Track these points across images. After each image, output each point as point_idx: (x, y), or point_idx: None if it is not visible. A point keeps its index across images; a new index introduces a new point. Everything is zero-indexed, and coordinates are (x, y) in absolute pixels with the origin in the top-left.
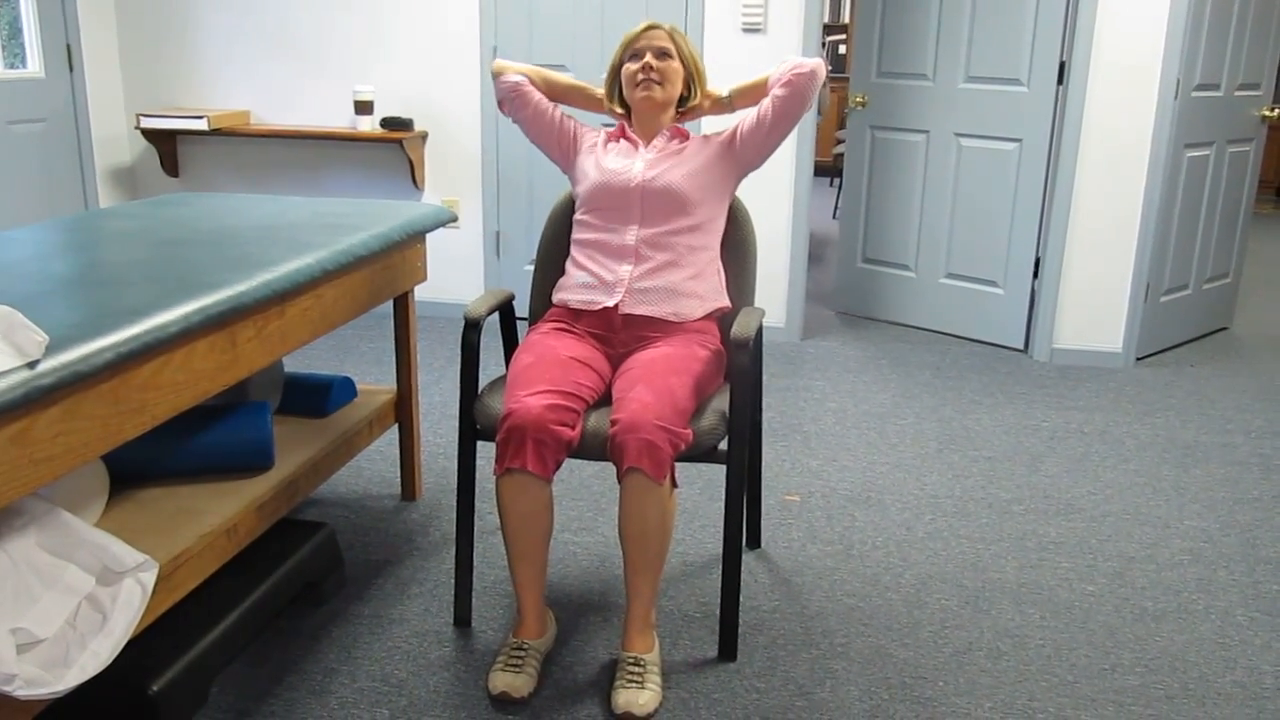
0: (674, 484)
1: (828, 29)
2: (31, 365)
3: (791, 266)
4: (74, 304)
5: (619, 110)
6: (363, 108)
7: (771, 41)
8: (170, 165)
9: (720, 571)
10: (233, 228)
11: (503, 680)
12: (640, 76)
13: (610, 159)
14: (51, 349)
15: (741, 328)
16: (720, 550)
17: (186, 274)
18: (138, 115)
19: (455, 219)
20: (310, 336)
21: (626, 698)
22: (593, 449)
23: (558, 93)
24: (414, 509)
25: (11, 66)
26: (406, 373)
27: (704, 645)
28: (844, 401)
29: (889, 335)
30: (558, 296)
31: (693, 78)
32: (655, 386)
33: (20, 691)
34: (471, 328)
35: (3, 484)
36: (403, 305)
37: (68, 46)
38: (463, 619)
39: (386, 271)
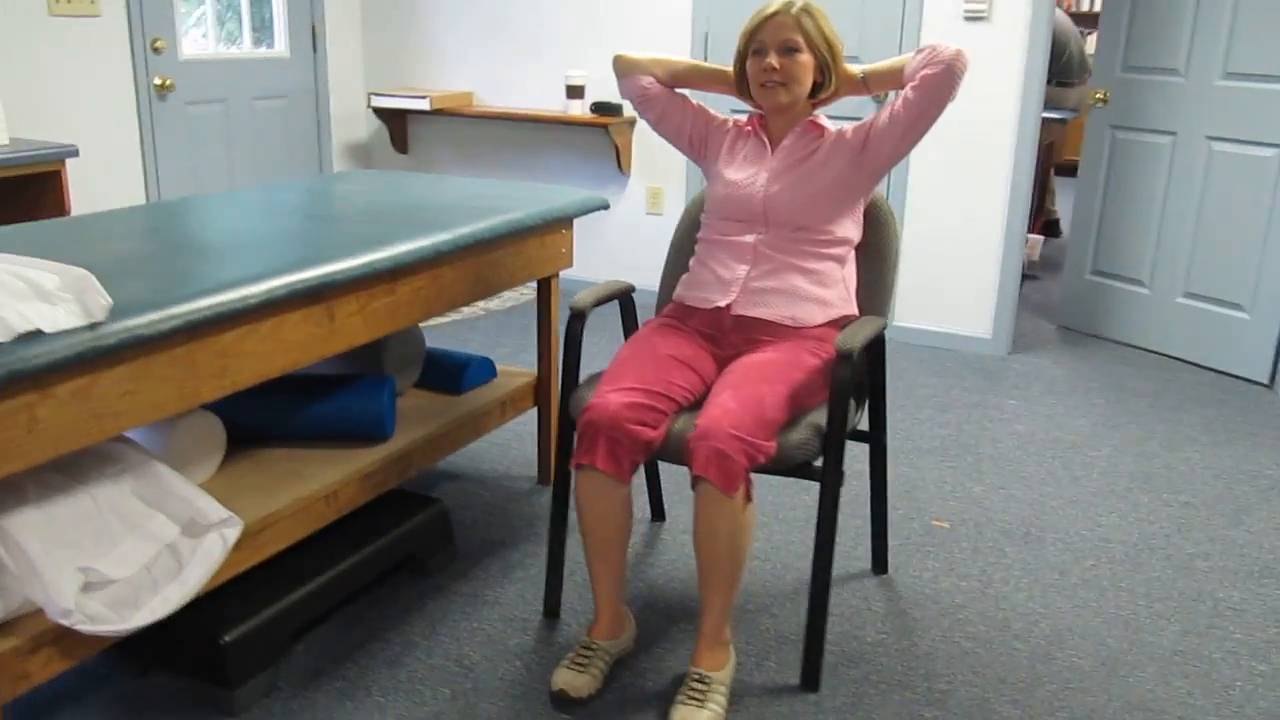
0: (748, 497)
1: (1075, 20)
2: (93, 327)
3: (1002, 273)
4: (171, 271)
5: (752, 104)
6: (574, 92)
7: (995, 31)
8: (400, 142)
9: (818, 595)
10: (378, 205)
11: (563, 678)
12: (763, 79)
13: (735, 168)
14: (122, 313)
15: (847, 336)
16: (844, 571)
17: (298, 249)
18: (369, 94)
19: (606, 205)
20: (424, 315)
21: (683, 714)
22: (675, 452)
23: (683, 79)
24: (545, 493)
25: (258, 46)
26: (547, 356)
27: (791, 671)
28: (1035, 425)
29: (1111, 356)
30: (676, 292)
31: (827, 65)
32: (742, 394)
33: (81, 626)
34: (576, 318)
35: (63, 435)
36: (545, 290)
37: (313, 28)
38: (552, 610)
39: (519, 256)
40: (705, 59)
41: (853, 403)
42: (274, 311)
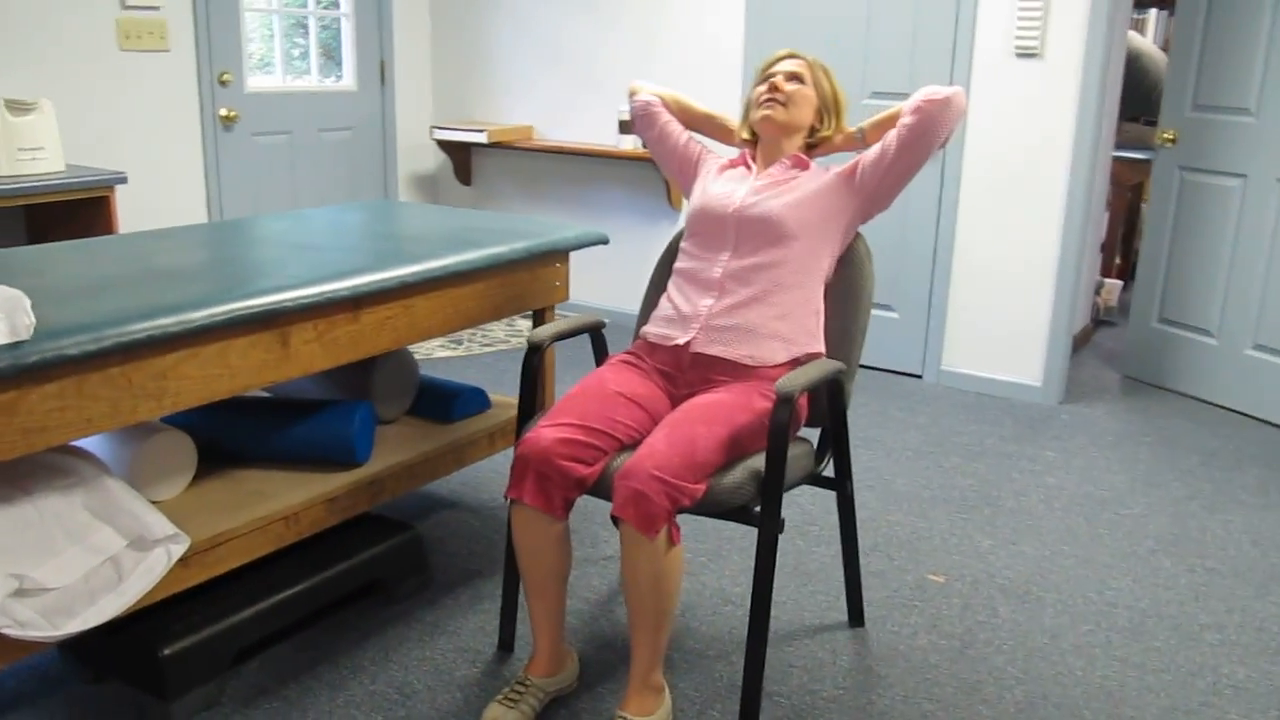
0: (672, 540)
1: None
2: (16, 346)
3: (1053, 319)
4: (125, 295)
5: (745, 137)
6: (626, 127)
7: (1049, 69)
8: (463, 174)
9: (754, 646)
10: (370, 235)
11: (492, 713)
12: (764, 97)
13: (717, 184)
14: (53, 334)
15: (789, 379)
16: (819, 621)
17: (258, 275)
18: (432, 127)
19: (604, 240)
20: (394, 344)
21: None
22: (607, 490)
23: (691, 120)
24: None
25: (325, 79)
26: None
27: None
28: (1067, 478)
29: (1173, 408)
30: (643, 328)
31: (827, 110)
32: (675, 435)
33: (8, 630)
34: (532, 351)
35: None
36: (539, 323)
37: (381, 63)
38: (506, 643)
39: (505, 289)
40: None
41: (808, 448)
42: (218, 336)
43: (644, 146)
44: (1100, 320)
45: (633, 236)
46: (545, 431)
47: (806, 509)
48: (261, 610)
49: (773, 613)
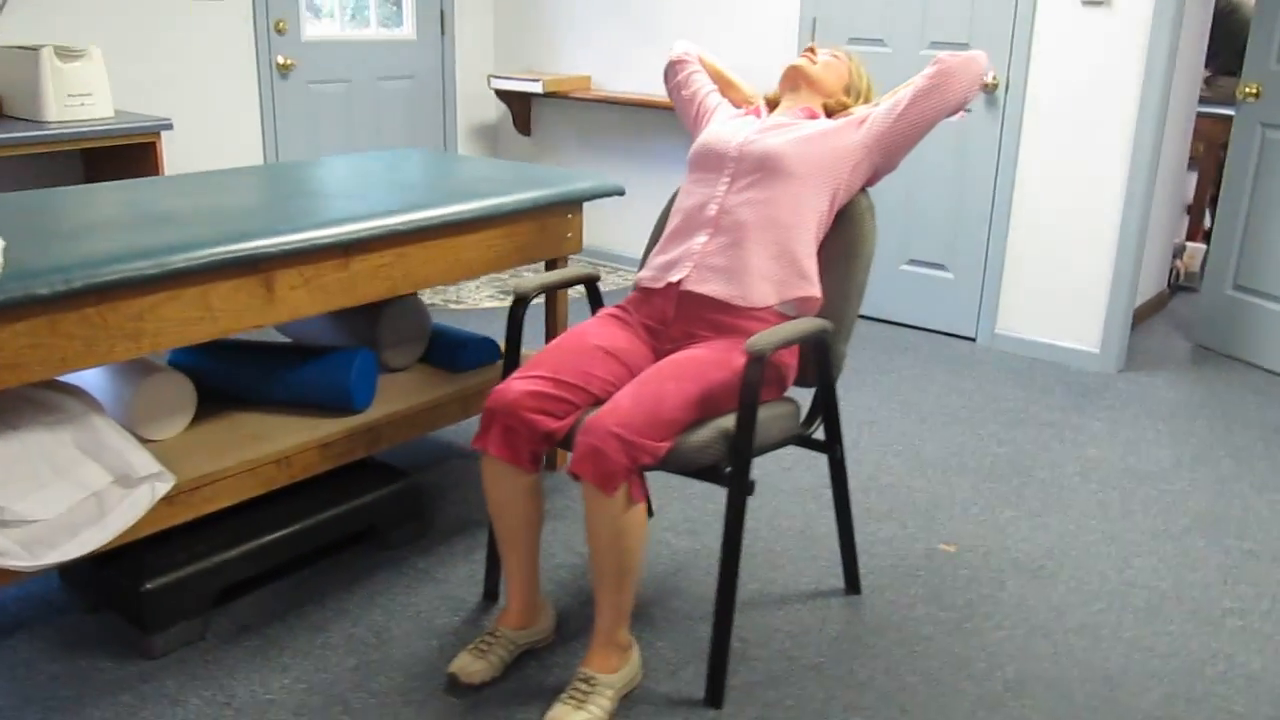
0: (632, 498)
1: (1222, 13)
2: None
3: (1113, 284)
4: (109, 238)
5: (768, 97)
6: None
7: (1118, 19)
8: (522, 124)
9: (722, 607)
10: (383, 183)
11: (459, 662)
12: (801, 54)
13: (724, 124)
14: (25, 275)
15: (760, 338)
16: (816, 586)
17: (246, 220)
18: (489, 76)
19: (620, 191)
20: (387, 292)
21: (557, 713)
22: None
23: (716, 80)
24: (548, 479)
25: (384, 27)
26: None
27: (702, 685)
28: (1110, 451)
29: (1240, 381)
30: (638, 275)
31: (855, 92)
32: (641, 392)
33: None
34: (517, 303)
35: None
36: None
37: (441, 12)
38: (490, 594)
39: (509, 239)
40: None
41: (792, 409)
42: (198, 280)
43: (669, 96)
44: (1179, 286)
45: None
46: (515, 384)
47: (822, 472)
48: (247, 551)
49: (768, 575)
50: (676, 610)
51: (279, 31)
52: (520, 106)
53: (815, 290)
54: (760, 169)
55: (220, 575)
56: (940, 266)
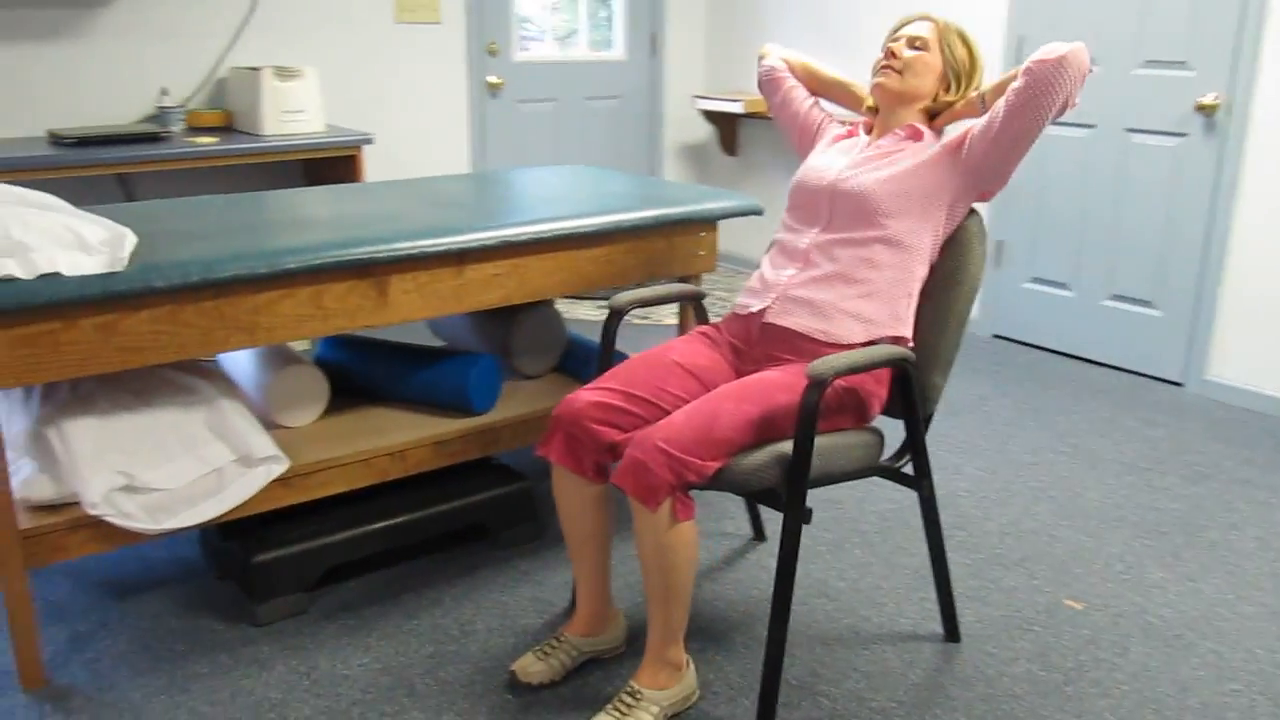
0: (677, 515)
1: None
2: (111, 275)
3: None
4: (239, 240)
5: (869, 105)
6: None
7: None
8: (728, 144)
9: (775, 637)
10: (519, 196)
11: (522, 661)
12: (881, 64)
13: (822, 156)
14: (150, 269)
15: (824, 362)
16: (914, 630)
17: (372, 228)
18: (694, 96)
19: (759, 211)
20: (501, 300)
21: None
22: None
23: (820, 86)
24: None
25: (595, 49)
26: None
27: (754, 716)
28: None
29: None
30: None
31: (955, 77)
32: (698, 409)
33: (111, 518)
34: (612, 316)
35: (86, 360)
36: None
37: (652, 35)
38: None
39: (633, 254)
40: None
41: (871, 439)
42: (310, 280)
43: (771, 114)
44: None
45: None
46: (583, 394)
47: (952, 511)
48: (353, 536)
49: (866, 613)
50: (756, 636)
51: (490, 53)
52: (726, 126)
53: (906, 331)
54: (855, 210)
55: (325, 556)
56: (1147, 303)
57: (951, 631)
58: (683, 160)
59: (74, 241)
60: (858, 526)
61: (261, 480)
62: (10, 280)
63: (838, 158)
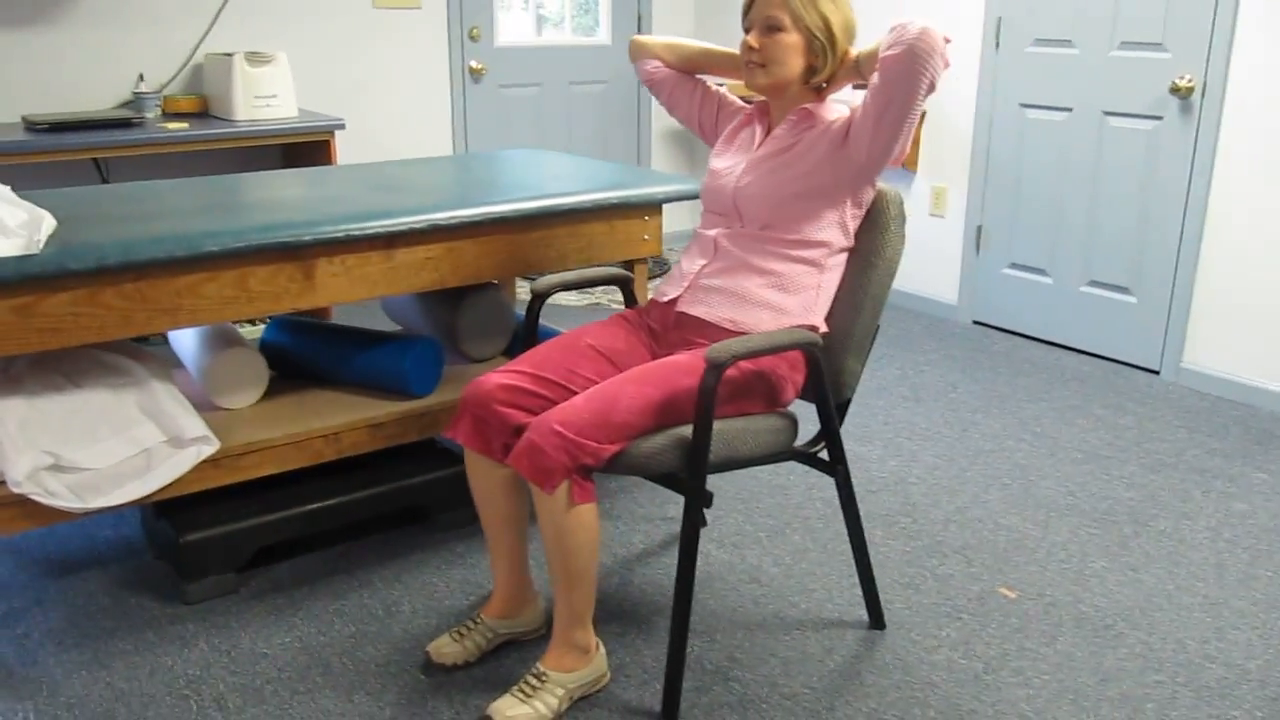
0: (575, 498)
1: None
2: (29, 258)
3: None
4: (175, 221)
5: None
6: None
7: None
8: None
9: (677, 621)
10: (459, 180)
11: (436, 642)
12: (744, 58)
13: (723, 157)
14: (66, 252)
15: (723, 346)
16: (840, 616)
17: (297, 211)
18: None
19: (697, 195)
20: (435, 283)
21: (499, 705)
22: None
23: (692, 65)
24: (620, 479)
25: (578, 33)
26: None
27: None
28: (1262, 507)
29: None
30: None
31: (822, 48)
32: (599, 392)
33: (37, 497)
34: (534, 299)
35: (4, 340)
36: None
37: (639, 15)
38: None
39: (574, 238)
40: (997, 47)
41: (782, 424)
42: (234, 263)
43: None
44: None
45: None
46: (492, 377)
47: (898, 498)
48: (284, 517)
49: (794, 599)
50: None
51: (473, 38)
52: None
53: (815, 319)
54: (759, 212)
55: (255, 536)
56: (1124, 290)
57: (876, 618)
58: (671, 146)
59: None
60: (800, 513)
61: (191, 461)
62: None
63: (736, 159)
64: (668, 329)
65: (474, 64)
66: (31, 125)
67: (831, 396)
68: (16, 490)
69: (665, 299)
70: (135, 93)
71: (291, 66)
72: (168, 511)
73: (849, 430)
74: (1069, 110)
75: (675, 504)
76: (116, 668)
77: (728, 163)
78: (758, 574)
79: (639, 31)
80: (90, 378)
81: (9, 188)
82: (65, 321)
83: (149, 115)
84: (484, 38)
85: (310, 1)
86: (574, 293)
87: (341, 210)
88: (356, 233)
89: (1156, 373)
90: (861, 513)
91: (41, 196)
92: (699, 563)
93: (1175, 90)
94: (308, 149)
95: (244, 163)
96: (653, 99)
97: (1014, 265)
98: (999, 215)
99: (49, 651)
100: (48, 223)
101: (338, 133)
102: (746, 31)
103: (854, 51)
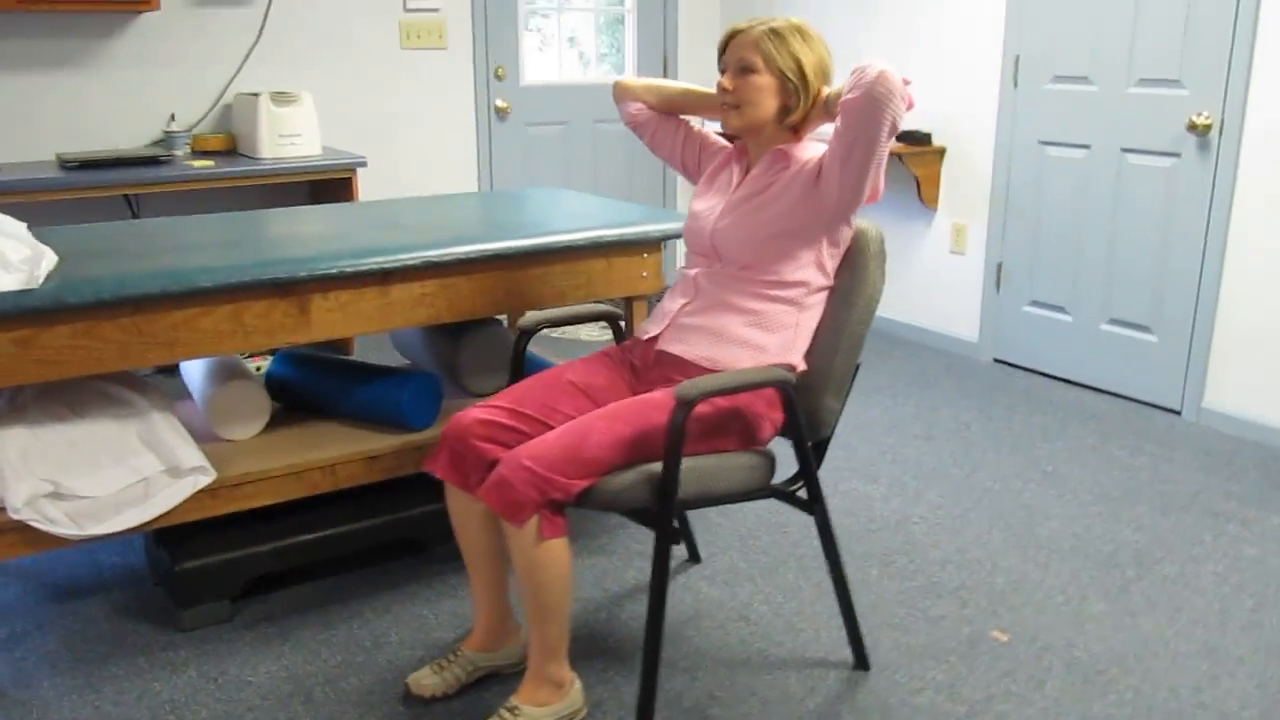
0: (545, 533)
1: None
2: (29, 293)
3: None
4: (173, 257)
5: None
6: None
7: None
8: None
9: (648, 659)
10: (459, 219)
11: (415, 674)
12: (719, 99)
13: (703, 199)
14: (66, 287)
15: (692, 384)
16: (825, 656)
17: (297, 248)
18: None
19: (677, 236)
20: (430, 319)
21: None
22: None
23: (672, 105)
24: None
25: (606, 70)
26: None
27: None
28: (1276, 553)
29: None
30: None
31: (797, 88)
32: (571, 428)
33: (35, 523)
34: (520, 336)
35: (6, 373)
36: (627, 313)
37: (664, 55)
38: None
39: (570, 276)
40: (1016, 84)
41: (756, 461)
42: (229, 299)
43: None
44: None
45: (884, 232)
46: (472, 411)
47: (897, 538)
48: (278, 547)
49: (780, 638)
50: (663, 659)
51: (498, 77)
52: None
53: (794, 358)
54: (736, 254)
55: (249, 566)
56: (1144, 328)
57: (860, 659)
58: None
59: None
60: (796, 551)
61: (187, 490)
62: None
63: (714, 201)
64: (648, 366)
65: (499, 102)
66: (64, 163)
67: (808, 434)
68: (15, 516)
69: (646, 336)
70: (166, 131)
71: (320, 105)
72: (166, 540)
73: (854, 468)
74: (1087, 147)
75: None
76: (106, 692)
77: (707, 204)
78: (747, 612)
79: (664, 70)
80: (93, 408)
81: (24, 225)
82: (64, 354)
83: (178, 153)
84: (509, 76)
85: (337, 42)
86: (588, 325)
87: (337, 247)
88: (349, 269)
89: (1178, 413)
90: (859, 551)
91: (53, 233)
92: (688, 600)
93: (1193, 127)
94: (332, 185)
95: (270, 199)
96: None
97: (1034, 303)
98: (1019, 252)
99: (44, 674)
100: (49, 259)
101: (361, 170)
102: (722, 73)
103: (825, 91)
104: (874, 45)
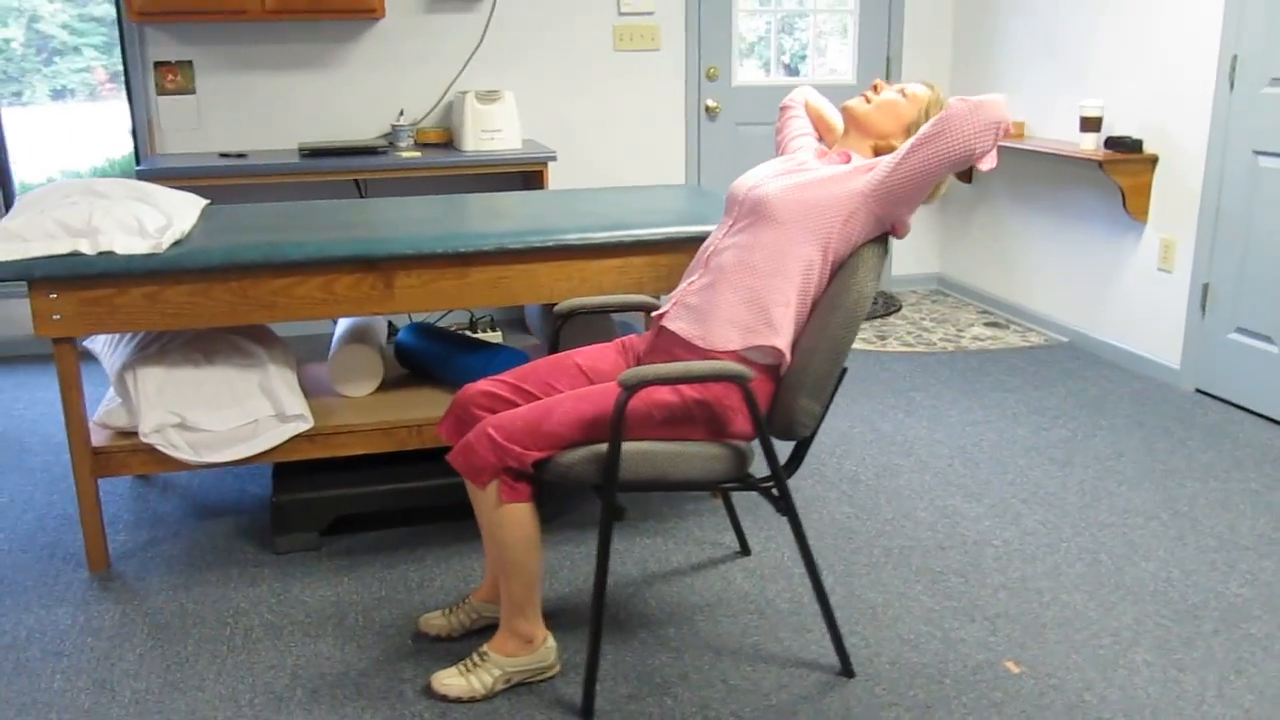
0: (505, 497)
1: None
2: (154, 255)
3: None
4: (282, 233)
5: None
6: (1088, 124)
7: None
8: (964, 171)
9: (594, 632)
10: (561, 209)
11: (428, 615)
12: (863, 92)
13: (762, 166)
14: (183, 254)
15: (634, 371)
16: (820, 659)
17: (389, 230)
18: None
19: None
20: (506, 301)
21: (441, 673)
22: None
23: (811, 113)
24: (690, 503)
25: (820, 74)
26: None
27: (600, 702)
28: None
29: None
30: None
31: (915, 132)
32: (541, 404)
33: (161, 447)
34: (557, 317)
35: (136, 320)
36: None
37: (888, 57)
38: None
39: (653, 268)
40: (1231, 87)
41: (724, 453)
42: (320, 270)
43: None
44: None
45: (1089, 244)
46: (481, 383)
47: (979, 560)
48: (363, 492)
49: (784, 635)
50: (661, 638)
51: (710, 78)
52: None
53: (779, 341)
54: (751, 214)
55: (335, 505)
56: (1266, 338)
57: (845, 665)
58: None
59: (135, 227)
60: (849, 556)
61: (289, 433)
62: (79, 256)
63: (766, 169)
64: (654, 348)
65: (710, 102)
66: (303, 152)
67: (782, 434)
68: (145, 440)
69: (659, 314)
70: (394, 125)
71: (533, 102)
72: (276, 474)
73: (961, 485)
74: None
75: (729, 531)
76: (193, 592)
77: (759, 171)
78: (766, 607)
79: (886, 72)
80: (222, 356)
81: (208, 201)
82: (184, 309)
83: (401, 145)
84: (721, 77)
85: (554, 45)
86: None
87: (420, 232)
88: (427, 251)
89: None
90: (916, 566)
91: (224, 210)
92: (716, 587)
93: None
94: (529, 176)
95: (473, 186)
96: None
97: (1240, 329)
98: (1226, 273)
99: (158, 572)
100: (176, 228)
101: (564, 164)
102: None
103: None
104: (1097, 51)
